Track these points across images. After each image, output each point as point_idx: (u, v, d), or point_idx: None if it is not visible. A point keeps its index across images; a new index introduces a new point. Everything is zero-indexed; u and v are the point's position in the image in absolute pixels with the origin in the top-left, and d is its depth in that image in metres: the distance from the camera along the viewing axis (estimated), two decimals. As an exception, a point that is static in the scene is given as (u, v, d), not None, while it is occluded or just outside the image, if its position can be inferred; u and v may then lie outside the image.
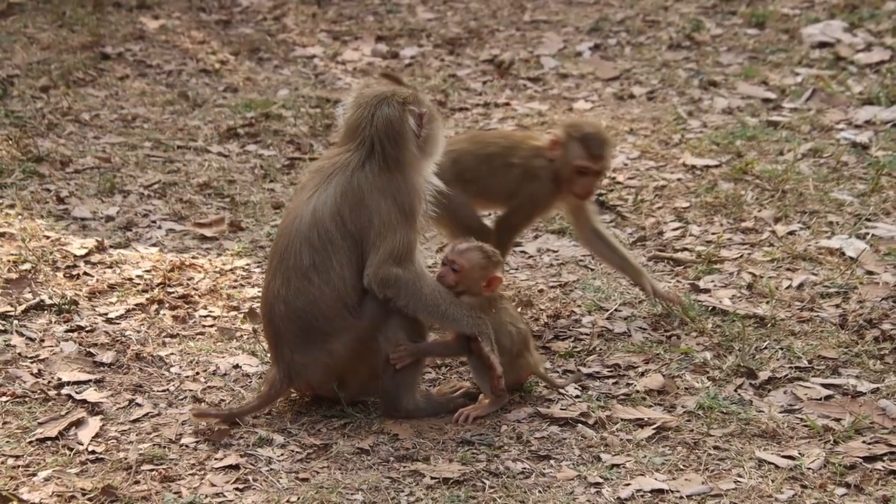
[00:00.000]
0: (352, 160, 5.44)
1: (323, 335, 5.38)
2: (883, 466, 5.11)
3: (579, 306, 6.37)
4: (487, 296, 5.52)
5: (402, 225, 5.37)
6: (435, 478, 5.05)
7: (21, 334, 6.03)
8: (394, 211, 5.38)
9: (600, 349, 6.01)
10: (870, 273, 6.61)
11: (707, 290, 6.49)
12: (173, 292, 6.48)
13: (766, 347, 5.96)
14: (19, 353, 5.89)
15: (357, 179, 5.40)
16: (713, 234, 7.07)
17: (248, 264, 6.75)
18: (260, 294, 5.80)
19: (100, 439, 5.32)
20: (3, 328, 6.07)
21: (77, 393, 5.61)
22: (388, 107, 5.47)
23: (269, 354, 5.65)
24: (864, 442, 5.26)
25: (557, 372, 5.84)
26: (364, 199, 5.37)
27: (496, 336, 5.44)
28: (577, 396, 5.62)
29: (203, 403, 5.59)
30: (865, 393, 5.60)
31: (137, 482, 5.04)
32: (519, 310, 6.04)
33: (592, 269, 6.75)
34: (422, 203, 5.48)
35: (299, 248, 5.37)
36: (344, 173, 5.42)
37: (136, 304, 6.35)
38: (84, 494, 4.94)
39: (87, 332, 6.09)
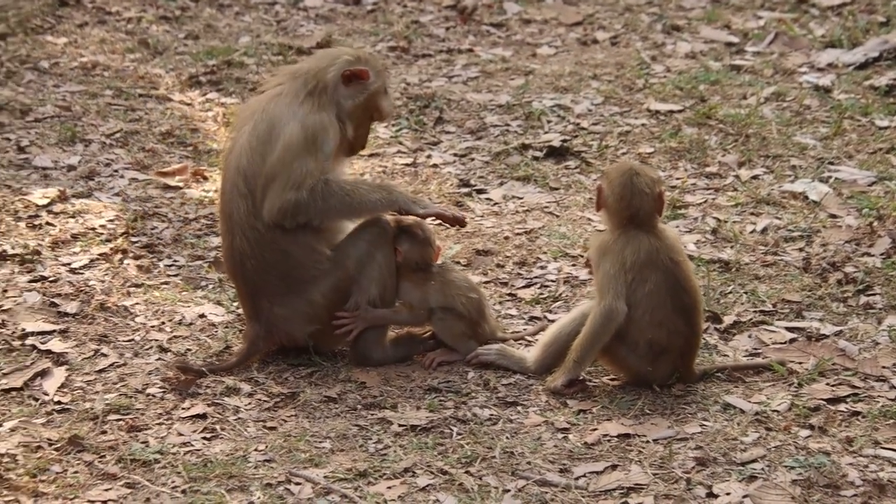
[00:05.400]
0: (274, 92, 5.37)
1: (302, 283, 5.34)
2: (846, 408, 5.16)
3: (545, 253, 6.37)
4: (432, 269, 5.50)
5: (304, 153, 5.24)
6: (403, 425, 5.06)
7: (-16, 285, 5.99)
8: (299, 136, 5.24)
9: (566, 295, 6.02)
10: (833, 216, 6.64)
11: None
12: (137, 241, 6.44)
13: (730, 292, 5.99)
14: (-18, 305, 5.86)
15: (272, 106, 5.31)
16: (677, 179, 7.08)
17: (211, 213, 6.71)
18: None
19: (65, 389, 5.30)
20: (-35, 279, 6.03)
21: (41, 343, 5.58)
22: (330, 53, 5.49)
23: (236, 304, 5.63)
24: (827, 384, 5.31)
25: (524, 319, 5.85)
26: (275, 126, 5.27)
27: (451, 306, 5.43)
28: (543, 342, 5.63)
29: (169, 353, 5.57)
30: (829, 335, 5.64)
31: (104, 432, 5.02)
32: (470, 273, 5.94)
33: (558, 216, 6.75)
34: (329, 143, 5.28)
35: (236, 200, 5.32)
36: (263, 107, 5.33)
37: (99, 254, 6.31)
38: (50, 444, 4.93)
39: (50, 282, 6.05)
